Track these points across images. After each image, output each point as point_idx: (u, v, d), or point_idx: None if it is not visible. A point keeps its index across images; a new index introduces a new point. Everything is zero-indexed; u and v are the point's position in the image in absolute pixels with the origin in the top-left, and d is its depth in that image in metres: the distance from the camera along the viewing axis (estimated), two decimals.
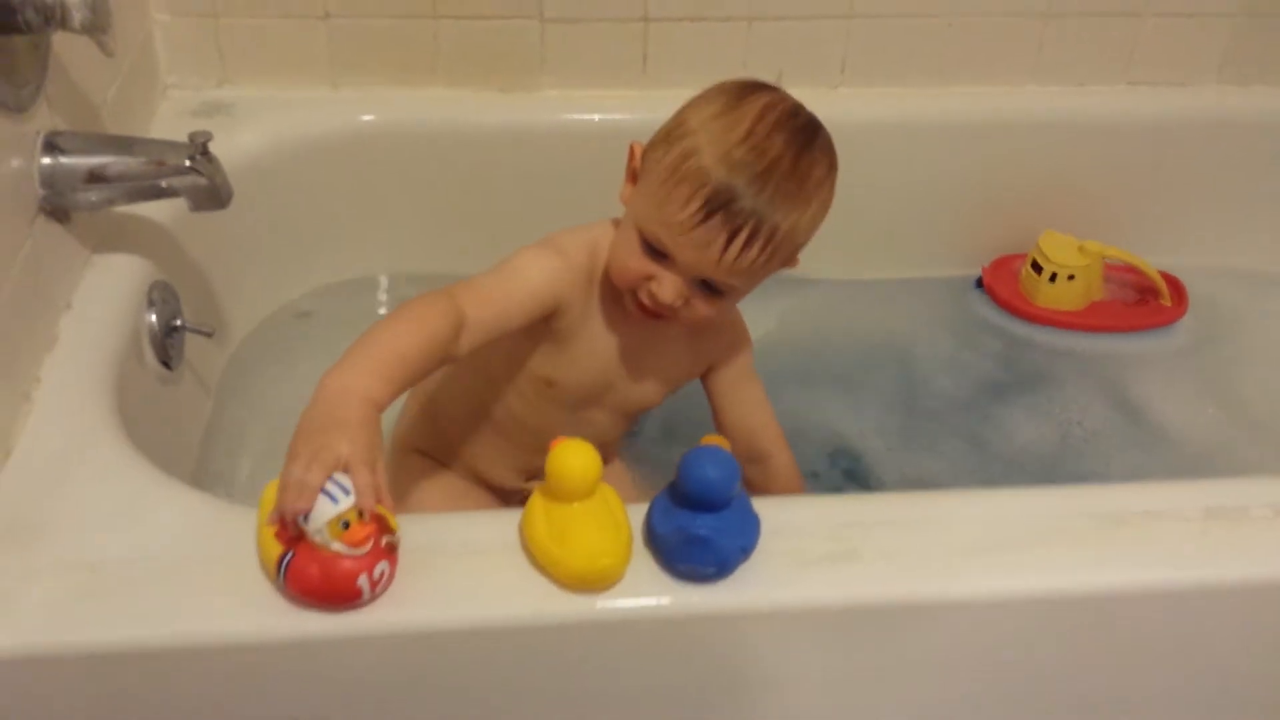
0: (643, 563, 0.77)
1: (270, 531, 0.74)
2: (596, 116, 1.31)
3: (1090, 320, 1.45)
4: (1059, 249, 1.43)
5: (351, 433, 0.73)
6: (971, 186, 1.44)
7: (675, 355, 1.02)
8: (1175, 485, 0.87)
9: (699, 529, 0.75)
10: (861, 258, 1.46)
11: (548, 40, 1.31)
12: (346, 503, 0.71)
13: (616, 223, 0.96)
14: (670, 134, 0.89)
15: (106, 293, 1.00)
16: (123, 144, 0.97)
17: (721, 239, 0.85)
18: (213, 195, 0.98)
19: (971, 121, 1.41)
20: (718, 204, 0.84)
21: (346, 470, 0.72)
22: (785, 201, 0.86)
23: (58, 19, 0.86)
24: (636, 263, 0.90)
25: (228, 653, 0.74)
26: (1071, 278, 1.43)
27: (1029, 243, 1.46)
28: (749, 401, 1.06)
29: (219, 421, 1.19)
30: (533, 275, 0.93)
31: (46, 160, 0.93)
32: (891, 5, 1.35)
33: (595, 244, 0.97)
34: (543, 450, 0.79)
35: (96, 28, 0.88)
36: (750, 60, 1.35)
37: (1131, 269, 1.47)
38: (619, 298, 0.96)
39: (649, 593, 0.76)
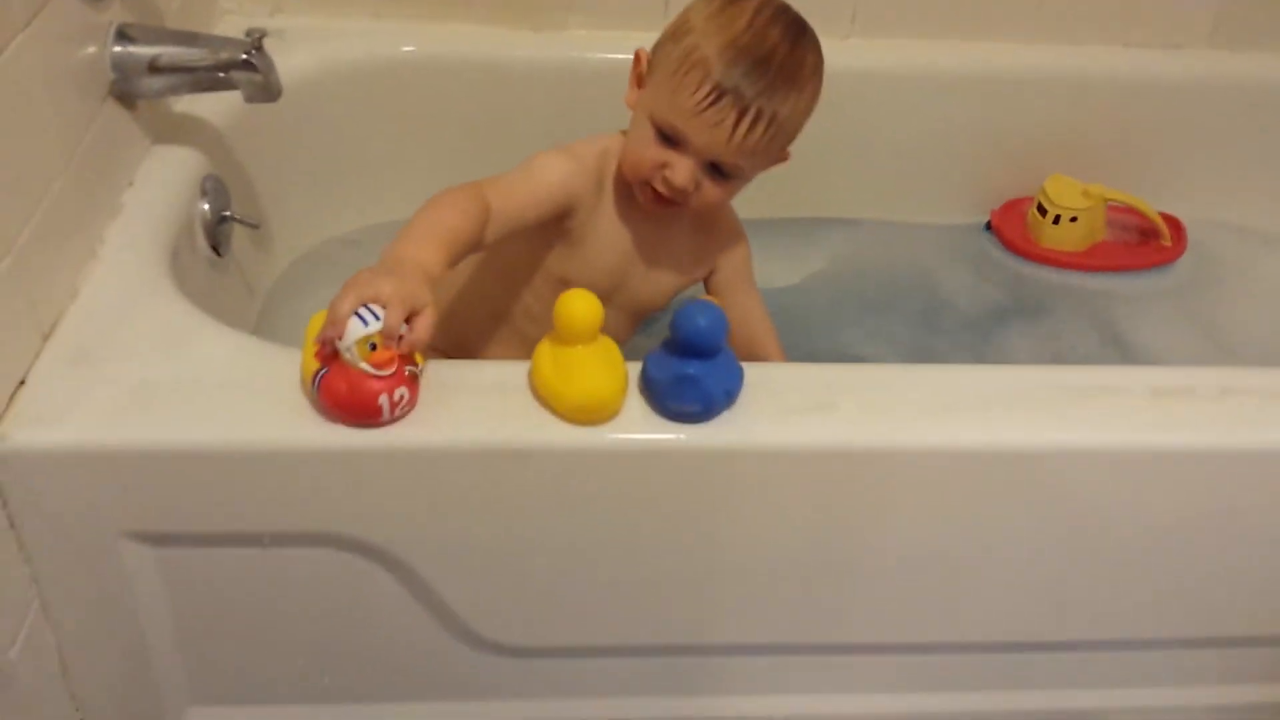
0: (637, 404, 0.86)
1: (311, 351, 0.83)
2: (620, 55, 1.39)
3: (1091, 260, 1.53)
4: (1063, 192, 1.51)
5: (396, 278, 0.82)
6: (981, 136, 1.52)
7: (681, 251, 1.11)
8: (1128, 367, 0.95)
9: (689, 369, 0.83)
10: (887, 201, 1.56)
11: None
12: (375, 326, 0.80)
13: (624, 134, 1.05)
14: (676, 32, 0.99)
15: (165, 176, 1.09)
16: (186, 37, 1.06)
17: (731, 118, 0.95)
18: (265, 88, 1.08)
19: (978, 74, 1.48)
20: (727, 86, 0.94)
21: (382, 305, 0.81)
22: (784, 85, 0.96)
23: None
24: (652, 151, 0.99)
25: (260, 457, 0.83)
26: (1074, 220, 1.50)
27: (1036, 188, 1.54)
28: (748, 307, 1.14)
29: (262, 334, 1.29)
30: (549, 174, 1.02)
31: (118, 48, 1.03)
32: None
33: (606, 149, 1.06)
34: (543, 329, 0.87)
35: None
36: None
37: (1134, 211, 1.53)
38: (629, 198, 1.05)
39: (641, 429, 0.85)
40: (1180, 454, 0.89)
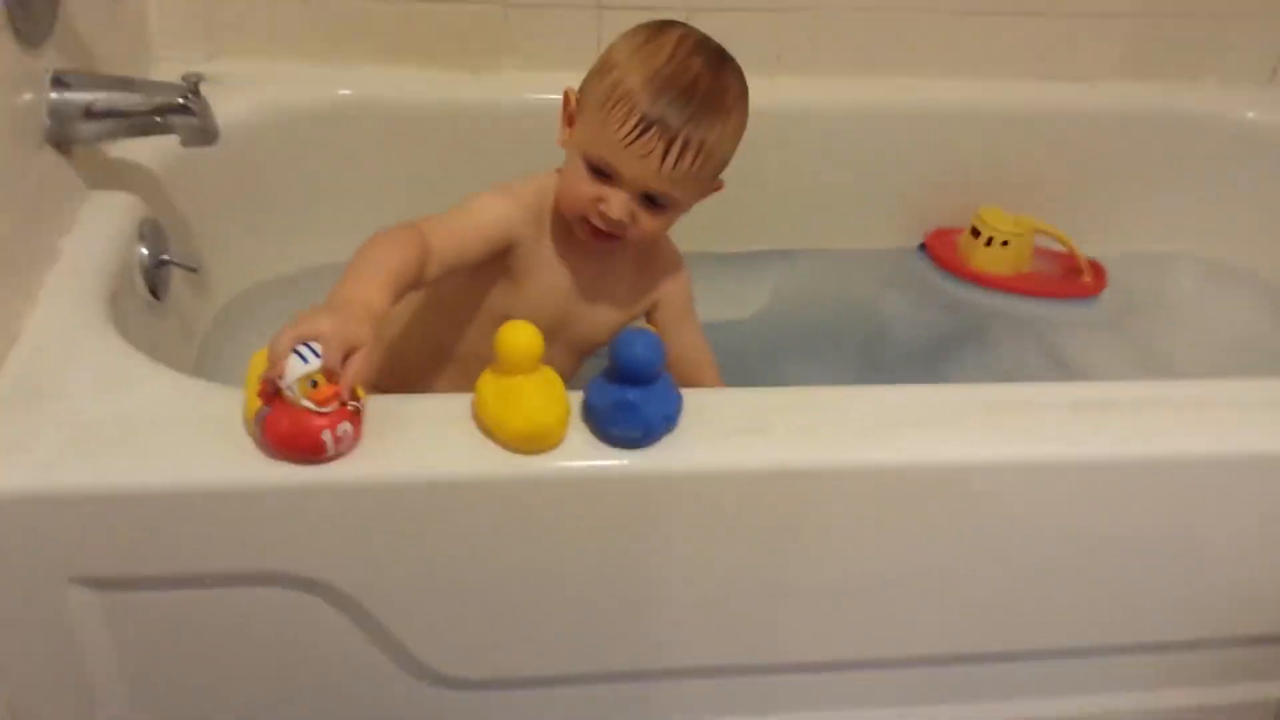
0: (579, 433, 0.88)
1: (254, 389, 0.84)
2: (554, 96, 1.42)
3: (1018, 284, 1.59)
4: (996, 218, 1.58)
5: (335, 316, 0.83)
6: (910, 168, 1.58)
7: (622, 286, 1.13)
8: (1048, 384, 0.99)
9: (628, 396, 0.85)
10: (823, 231, 1.61)
11: (510, 24, 1.44)
12: (315, 363, 0.81)
13: (559, 172, 1.08)
14: (601, 69, 1.02)
15: (103, 221, 1.09)
16: (122, 83, 1.07)
17: (659, 148, 0.97)
18: (202, 132, 1.09)
19: (902, 109, 1.54)
20: (653, 117, 0.97)
21: (321, 342, 0.82)
22: (709, 113, 0.98)
23: None
24: (586, 187, 1.01)
25: (205, 496, 0.83)
26: (1005, 243, 1.57)
27: (966, 221, 1.61)
28: (689, 340, 1.17)
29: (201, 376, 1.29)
30: (487, 213, 1.05)
31: (54, 95, 1.04)
32: None
33: (543, 187, 1.09)
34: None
35: None
36: None
37: (1059, 254, 1.61)
38: (568, 234, 1.07)
39: (583, 456, 0.86)
40: (1100, 465, 0.93)
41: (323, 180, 1.44)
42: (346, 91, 1.42)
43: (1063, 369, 1.47)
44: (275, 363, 0.81)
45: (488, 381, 0.88)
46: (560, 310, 1.11)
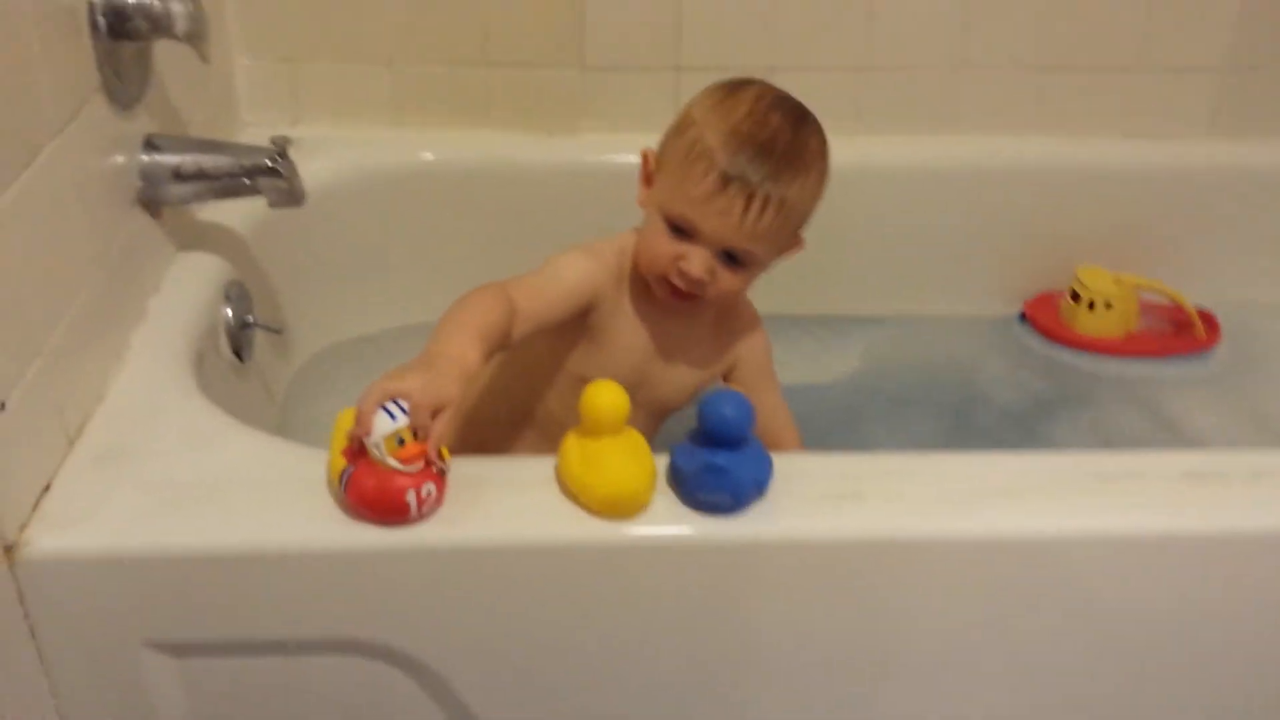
0: (666, 497, 0.85)
1: (339, 448, 0.82)
2: (632, 158, 1.42)
3: (1129, 346, 1.53)
4: (1097, 279, 1.53)
5: (424, 373, 0.82)
6: (1001, 228, 1.54)
7: (702, 346, 1.11)
8: (1158, 452, 0.94)
9: (717, 459, 0.83)
10: (912, 295, 1.58)
11: (588, 87, 1.44)
12: (403, 420, 0.80)
13: (638, 231, 1.07)
14: (679, 126, 1.02)
15: (189, 283, 1.11)
16: (212, 146, 1.09)
17: (739, 205, 0.96)
18: (290, 194, 1.10)
19: (987, 167, 1.51)
20: (733, 173, 0.96)
21: (407, 398, 0.81)
22: (789, 169, 0.97)
23: (163, 27, 1.00)
24: (665, 245, 1.00)
25: (285, 559, 0.82)
26: (1109, 306, 1.51)
27: (1064, 283, 1.56)
28: (769, 403, 1.14)
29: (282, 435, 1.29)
30: (571, 273, 1.04)
31: (145, 157, 1.05)
32: (900, 58, 1.47)
33: (623, 247, 1.08)
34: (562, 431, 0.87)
35: (197, 36, 1.01)
36: None
37: (1166, 306, 1.55)
38: (648, 294, 1.06)
39: (669, 522, 0.83)
40: (1213, 539, 0.88)
41: (403, 243, 1.44)
42: (428, 155, 1.43)
43: (1170, 432, 1.41)
44: (363, 419, 0.80)
45: (572, 444, 0.85)
46: (639, 371, 1.09)
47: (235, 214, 1.21)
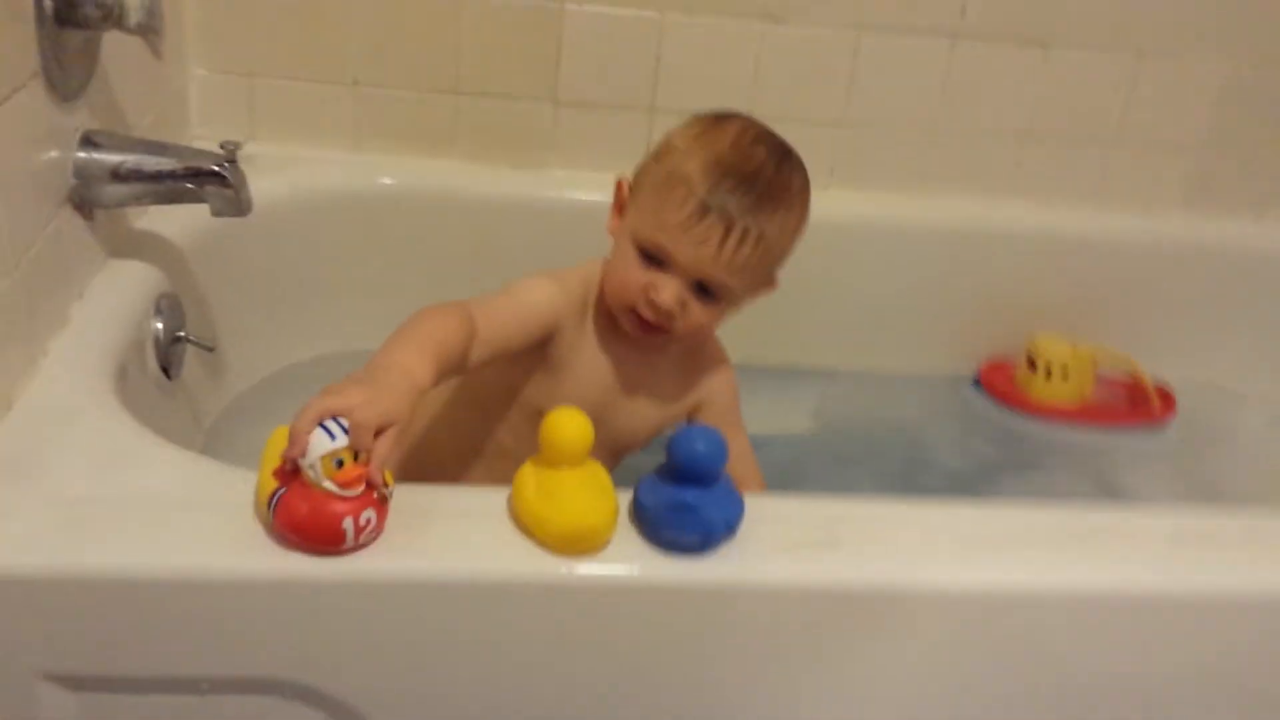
0: (627, 535, 0.78)
1: (270, 468, 0.75)
2: (600, 197, 1.37)
3: (1083, 416, 1.50)
4: (1053, 346, 1.50)
5: (371, 388, 0.75)
6: (962, 290, 1.51)
7: (667, 382, 1.05)
8: (1147, 508, 0.89)
9: (685, 497, 0.76)
10: (867, 352, 1.53)
11: (560, 122, 1.40)
12: (343, 440, 0.72)
13: (606, 261, 1.01)
14: (658, 154, 0.98)
15: (118, 291, 1.03)
16: (154, 146, 1.02)
17: (718, 234, 0.91)
18: (235, 203, 1.03)
19: (958, 229, 1.48)
20: (712, 203, 0.91)
21: (349, 417, 0.74)
22: (771, 203, 0.93)
23: (115, 17, 0.93)
24: (636, 274, 0.95)
25: (203, 588, 0.73)
26: (1065, 374, 1.48)
27: (1020, 346, 1.53)
28: (735, 449, 1.07)
29: None
30: (534, 295, 0.98)
31: (82, 153, 0.98)
32: (879, 115, 1.44)
33: (589, 276, 1.02)
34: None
35: (150, 29, 0.95)
36: None
37: (1122, 382, 1.53)
38: (612, 326, 1.00)
39: (631, 562, 0.77)
40: (1206, 599, 0.83)
41: (355, 268, 1.37)
42: (388, 180, 1.37)
43: (1118, 501, 1.36)
44: (297, 438, 0.72)
45: (529, 474, 0.79)
46: (598, 406, 1.02)
47: (175, 222, 1.14)
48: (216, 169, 1.01)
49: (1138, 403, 1.52)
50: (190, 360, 1.14)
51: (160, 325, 1.06)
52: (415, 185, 1.37)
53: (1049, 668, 0.83)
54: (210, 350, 1.14)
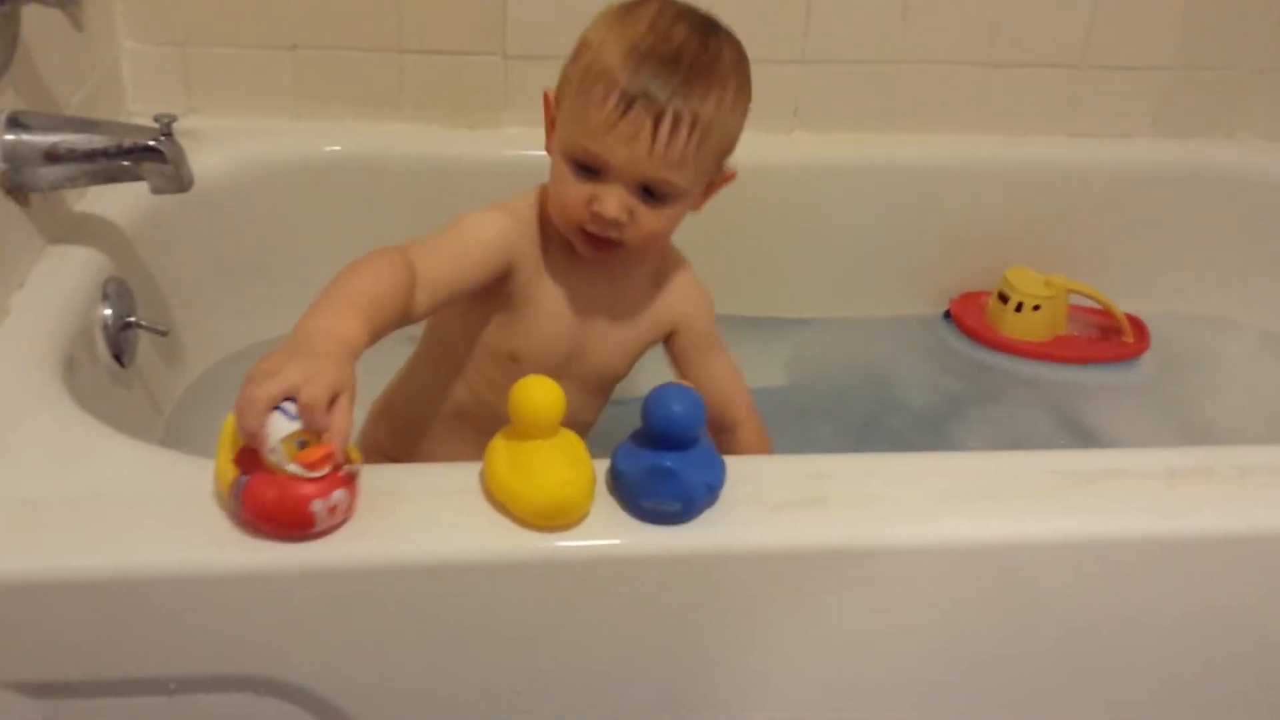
0: (606, 505, 0.75)
1: (228, 456, 0.71)
2: None
3: (1054, 350, 1.48)
4: (1025, 281, 1.48)
5: (306, 361, 0.71)
6: (932, 228, 1.48)
7: (636, 306, 1.00)
8: (1141, 450, 0.88)
9: (665, 461, 0.73)
10: (840, 297, 1.50)
11: (510, 77, 1.35)
12: (300, 421, 0.69)
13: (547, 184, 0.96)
14: (575, 53, 0.91)
15: (61, 277, 0.99)
16: (86, 124, 0.97)
17: (647, 126, 0.85)
18: (175, 179, 0.98)
19: (925, 166, 1.45)
20: (635, 91, 0.85)
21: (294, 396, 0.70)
22: (701, 83, 0.86)
23: None
24: (575, 190, 0.89)
25: (166, 584, 0.70)
26: (1037, 308, 1.46)
27: (993, 283, 1.51)
28: (717, 371, 1.04)
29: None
30: (484, 230, 0.92)
31: (9, 136, 0.93)
32: (840, 51, 1.40)
33: (538, 199, 0.97)
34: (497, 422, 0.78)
35: (68, 0, 0.89)
36: None
37: (1095, 310, 1.51)
38: (569, 252, 0.95)
39: (611, 533, 0.74)
40: (1200, 540, 0.81)
41: (308, 241, 1.32)
42: (335, 147, 1.32)
43: (1083, 438, 1.35)
44: (253, 429, 0.69)
45: (500, 447, 0.76)
46: (571, 340, 0.98)
47: (117, 203, 1.09)
48: (152, 144, 0.96)
49: (1110, 336, 1.51)
50: (144, 346, 1.10)
51: (108, 311, 1.02)
52: (363, 150, 1.32)
53: (1045, 616, 0.81)
54: (164, 334, 1.09)
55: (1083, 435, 1.35)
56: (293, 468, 0.69)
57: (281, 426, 0.68)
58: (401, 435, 1.04)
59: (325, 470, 0.69)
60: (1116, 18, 1.43)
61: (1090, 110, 1.48)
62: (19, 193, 0.96)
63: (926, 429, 1.36)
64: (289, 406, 0.69)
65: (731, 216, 1.41)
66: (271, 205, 1.29)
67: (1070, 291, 1.48)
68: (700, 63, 0.87)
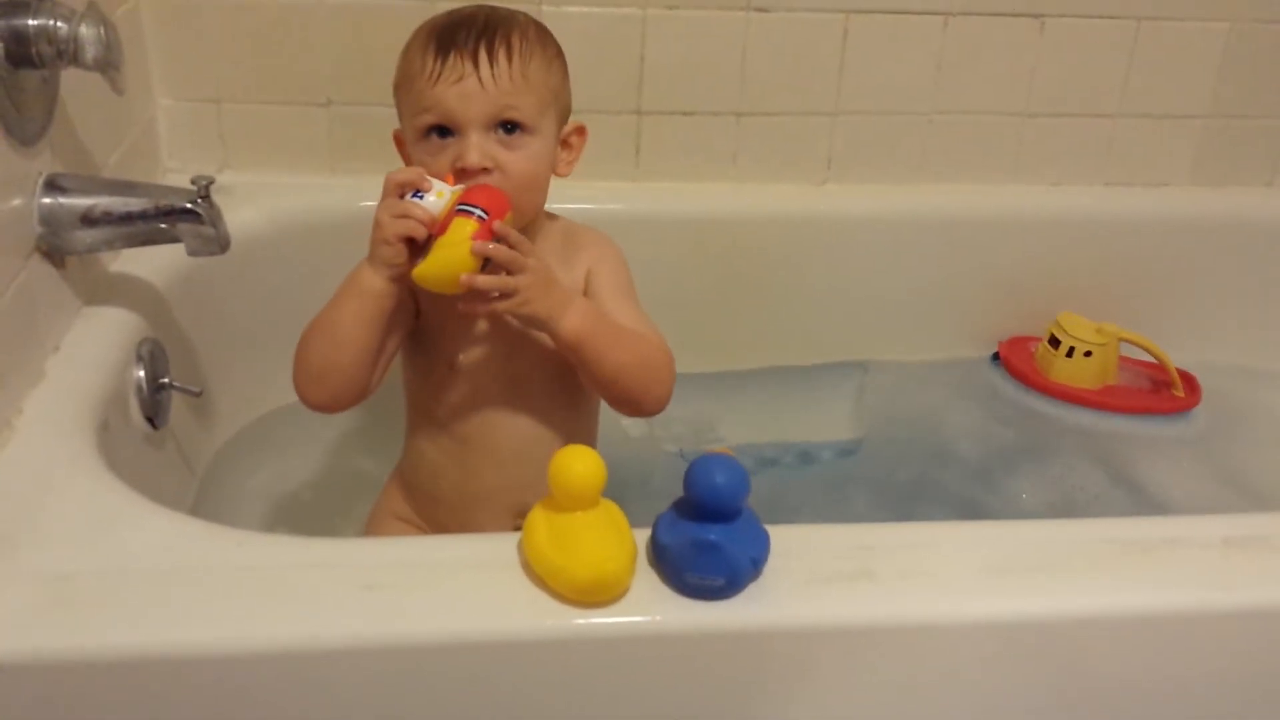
0: (647, 578, 0.74)
1: (438, 244, 0.86)
2: (590, 206, 1.32)
3: (1104, 399, 1.45)
4: (1077, 326, 1.45)
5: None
6: (973, 277, 1.46)
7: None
8: (1195, 517, 0.85)
9: (709, 535, 0.72)
10: (889, 342, 1.49)
11: None
12: (433, 191, 0.86)
13: None
14: (397, 78, 0.95)
15: (96, 340, 0.98)
16: (123, 187, 0.97)
17: (468, 64, 0.89)
18: (213, 240, 0.98)
19: (966, 216, 1.44)
20: (446, 43, 0.90)
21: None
22: (502, 26, 0.92)
23: (70, 54, 0.88)
24: (436, 159, 0.91)
25: (211, 663, 0.69)
26: (1088, 354, 1.43)
27: (1038, 330, 1.48)
28: (627, 315, 0.99)
29: (201, 515, 1.16)
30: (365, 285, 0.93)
31: (46, 199, 0.93)
32: (874, 103, 1.40)
33: None
34: (499, 470, 0.90)
35: (109, 64, 0.89)
36: (739, 154, 1.39)
37: (1146, 363, 1.48)
38: None
39: (655, 609, 0.72)
40: (1254, 611, 0.79)
41: None
42: (369, 203, 1.30)
43: (1136, 494, 1.32)
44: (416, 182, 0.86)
45: (539, 519, 0.74)
46: (501, 337, 0.97)
47: (152, 263, 1.09)
48: (190, 207, 0.96)
49: (1161, 389, 1.48)
50: (177, 405, 1.09)
51: (142, 373, 1.01)
52: None
53: (1094, 691, 0.78)
54: (197, 395, 1.09)
55: (1135, 491, 1.31)
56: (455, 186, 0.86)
57: (433, 203, 0.86)
58: (420, 508, 1.05)
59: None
60: (1153, 66, 1.41)
61: (1128, 159, 1.46)
62: (55, 255, 0.96)
63: (978, 476, 1.33)
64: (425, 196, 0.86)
65: (762, 269, 1.41)
66: (306, 261, 1.28)
67: (1122, 340, 1.45)
68: (495, 15, 0.93)
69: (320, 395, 0.94)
